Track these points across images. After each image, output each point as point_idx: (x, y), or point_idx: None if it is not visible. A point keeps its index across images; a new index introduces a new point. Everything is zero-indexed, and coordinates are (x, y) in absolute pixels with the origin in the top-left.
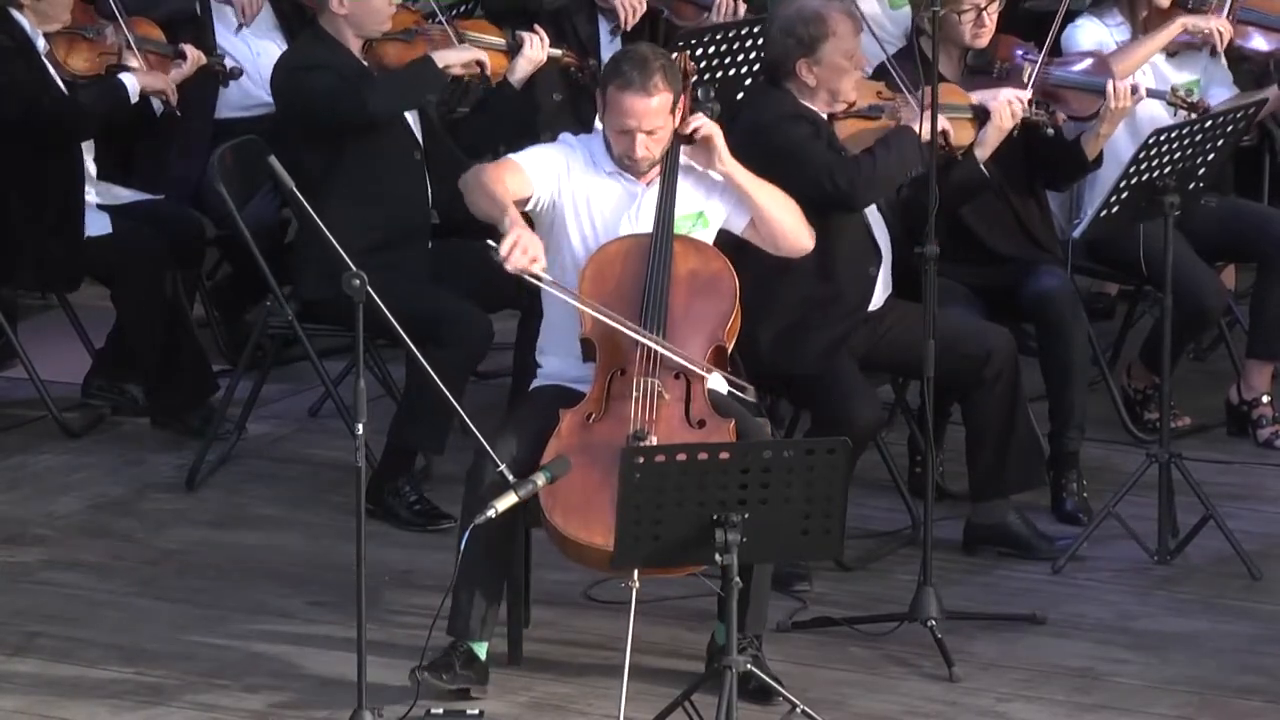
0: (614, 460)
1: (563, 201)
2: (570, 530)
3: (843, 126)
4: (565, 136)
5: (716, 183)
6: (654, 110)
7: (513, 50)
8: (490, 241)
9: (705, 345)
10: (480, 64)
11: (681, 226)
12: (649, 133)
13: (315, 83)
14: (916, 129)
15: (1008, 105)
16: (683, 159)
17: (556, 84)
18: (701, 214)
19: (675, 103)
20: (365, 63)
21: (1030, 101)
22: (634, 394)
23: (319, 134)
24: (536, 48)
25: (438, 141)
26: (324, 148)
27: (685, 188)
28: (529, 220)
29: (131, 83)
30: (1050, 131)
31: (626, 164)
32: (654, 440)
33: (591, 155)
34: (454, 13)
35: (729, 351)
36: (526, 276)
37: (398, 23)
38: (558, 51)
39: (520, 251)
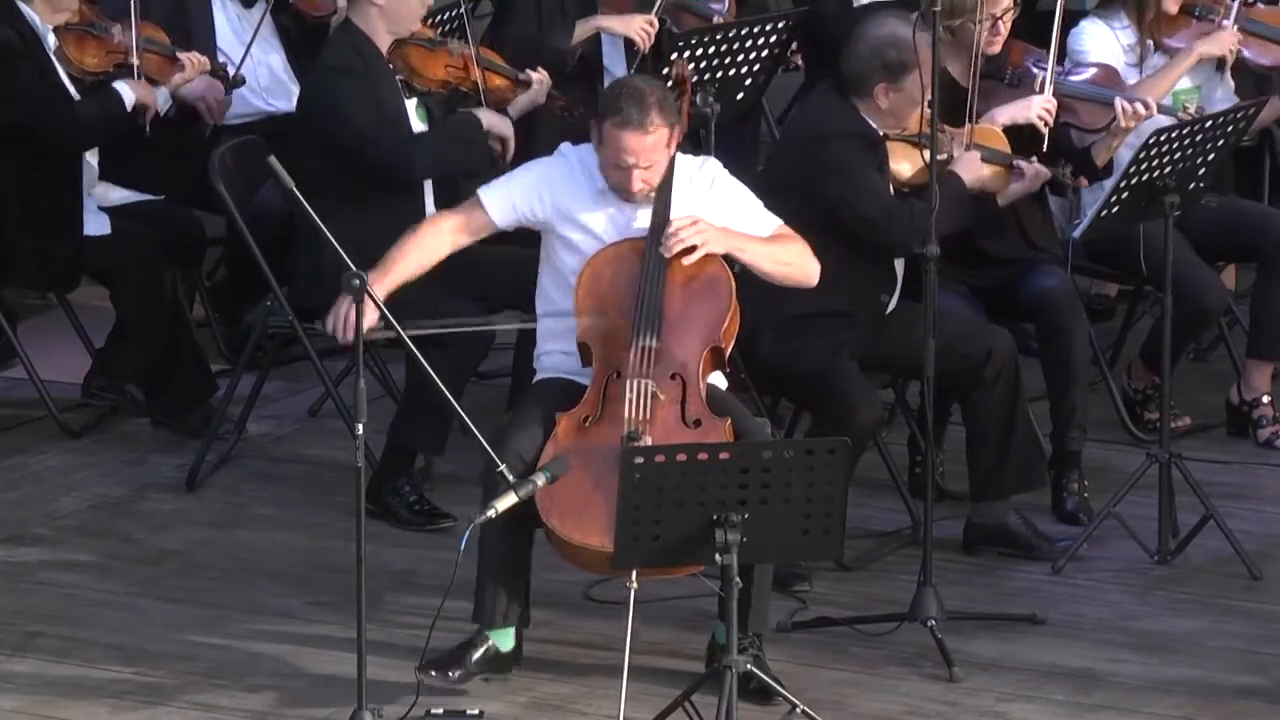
0: (610, 462)
1: (551, 221)
2: (566, 532)
3: (890, 149)
4: (564, 149)
5: (714, 211)
6: (650, 147)
7: (520, 84)
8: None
9: (701, 346)
10: (503, 141)
11: None
12: (646, 167)
13: (358, 119)
14: (962, 175)
15: (1036, 171)
16: (678, 174)
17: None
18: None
19: (672, 135)
20: (391, 65)
21: (1053, 155)
22: (628, 395)
23: (334, 147)
24: (540, 91)
25: None
26: (334, 155)
27: (681, 200)
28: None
29: (126, 92)
30: (1071, 195)
31: (623, 196)
32: (648, 440)
33: (587, 169)
34: (453, 11)
35: (728, 352)
36: (373, 339)
37: (422, 32)
38: (555, 93)
39: (343, 324)
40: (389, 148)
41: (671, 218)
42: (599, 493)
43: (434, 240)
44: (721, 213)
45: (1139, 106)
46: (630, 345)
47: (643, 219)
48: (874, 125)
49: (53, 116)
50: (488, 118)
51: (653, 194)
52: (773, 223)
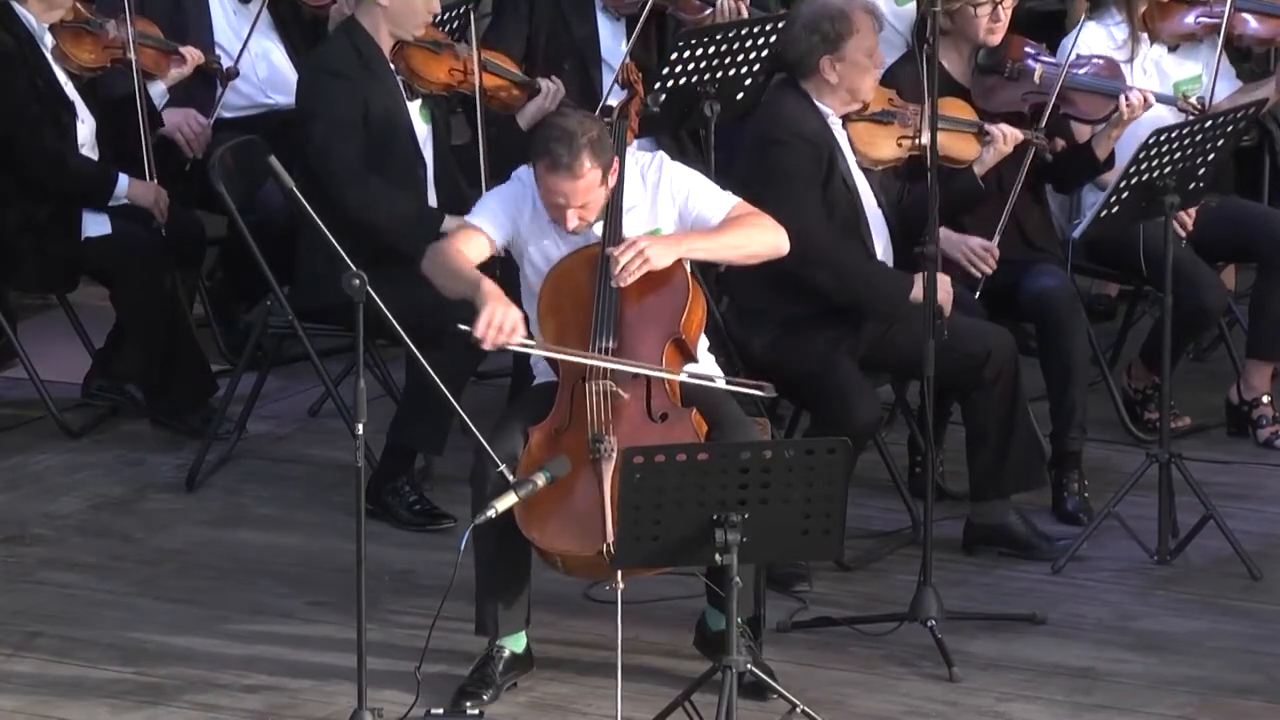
0: (581, 468)
1: (521, 244)
2: (547, 542)
3: (854, 129)
4: (520, 174)
5: (665, 204)
6: (581, 189)
7: (529, 90)
8: (461, 325)
9: (661, 341)
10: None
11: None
12: (580, 206)
13: (319, 127)
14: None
15: (1008, 133)
16: (631, 172)
17: None
18: (657, 229)
19: (606, 172)
20: (393, 66)
21: (1028, 109)
22: (589, 399)
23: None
24: (551, 98)
25: (444, 164)
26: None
27: (634, 209)
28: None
29: (123, 184)
30: (1048, 157)
31: (561, 227)
32: (613, 441)
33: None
34: (456, 10)
35: (695, 342)
36: (510, 348)
37: (428, 35)
38: (569, 102)
39: (495, 330)
40: (337, 170)
41: (612, 246)
42: (574, 499)
43: (464, 256)
44: (676, 201)
45: (1149, 96)
46: (589, 350)
47: (598, 230)
48: (829, 111)
49: (38, 145)
50: (451, 222)
51: (592, 225)
52: (729, 202)
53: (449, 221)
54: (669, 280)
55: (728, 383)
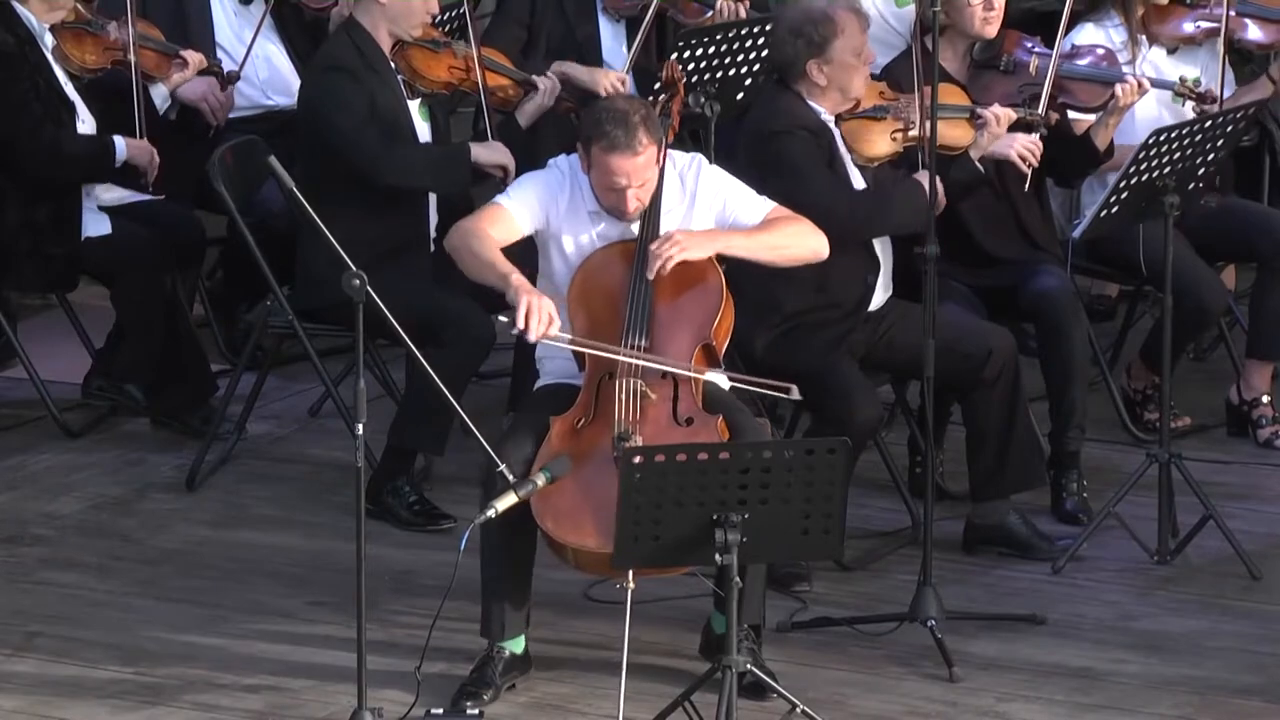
0: (603, 464)
1: (550, 234)
2: (561, 535)
3: (848, 127)
4: (558, 163)
5: (703, 211)
6: (641, 166)
7: (526, 88)
8: (502, 316)
9: (692, 344)
10: (505, 169)
11: None
12: (639, 186)
13: (341, 118)
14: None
15: (1000, 115)
16: (668, 171)
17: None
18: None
19: (660, 150)
20: (394, 65)
21: (1023, 101)
22: (618, 395)
23: (326, 146)
24: (547, 95)
25: None
26: (330, 154)
27: (673, 198)
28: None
29: (121, 147)
30: (1044, 130)
31: (619, 216)
32: (639, 441)
33: (580, 189)
34: (454, 11)
35: (721, 349)
36: (547, 340)
37: (427, 34)
38: (564, 94)
39: (536, 320)
40: (367, 151)
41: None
42: (593, 494)
43: (493, 241)
44: (713, 207)
45: (1144, 82)
46: (620, 346)
47: (635, 229)
48: (821, 110)
49: (35, 138)
50: (477, 150)
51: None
52: (766, 206)
53: (475, 149)
54: (704, 283)
55: (754, 384)
